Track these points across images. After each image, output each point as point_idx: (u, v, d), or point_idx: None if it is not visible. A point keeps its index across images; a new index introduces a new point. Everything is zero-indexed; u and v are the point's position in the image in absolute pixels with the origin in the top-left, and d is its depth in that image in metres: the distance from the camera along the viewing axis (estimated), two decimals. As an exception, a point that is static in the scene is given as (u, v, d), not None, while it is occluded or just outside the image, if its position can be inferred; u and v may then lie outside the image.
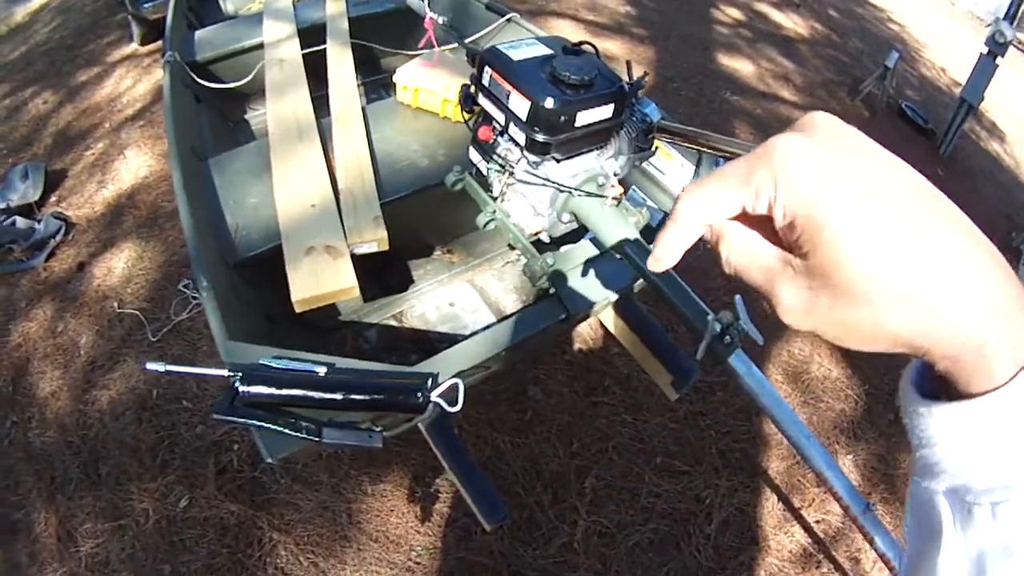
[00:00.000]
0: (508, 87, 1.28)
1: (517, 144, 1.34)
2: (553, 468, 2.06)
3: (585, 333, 2.43)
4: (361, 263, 1.56)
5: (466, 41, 2.47)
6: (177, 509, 2.00)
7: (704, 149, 1.27)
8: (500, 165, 1.43)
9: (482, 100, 1.40)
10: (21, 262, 2.90)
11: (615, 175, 1.44)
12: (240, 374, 1.03)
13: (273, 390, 1.02)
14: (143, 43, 4.41)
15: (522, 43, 1.36)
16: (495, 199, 1.52)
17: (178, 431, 2.18)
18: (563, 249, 1.55)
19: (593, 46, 1.46)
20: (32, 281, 2.84)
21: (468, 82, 1.45)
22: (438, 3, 2.83)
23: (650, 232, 1.83)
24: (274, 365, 1.09)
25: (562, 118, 1.24)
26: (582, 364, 2.35)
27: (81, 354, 2.49)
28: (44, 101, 4.13)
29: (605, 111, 1.30)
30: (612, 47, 4.64)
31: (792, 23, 5.96)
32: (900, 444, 2.36)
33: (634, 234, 1.29)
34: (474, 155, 1.52)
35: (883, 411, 2.46)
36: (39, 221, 3.03)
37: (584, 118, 1.27)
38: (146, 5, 3.92)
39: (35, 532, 2.03)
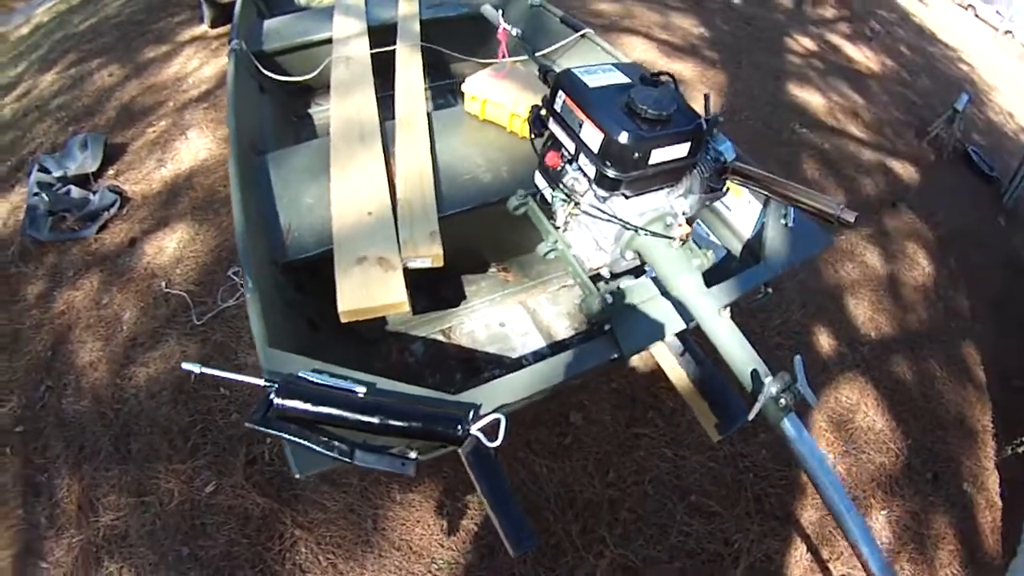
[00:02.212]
0: (582, 115, 1.23)
1: (586, 175, 1.28)
2: (587, 496, 2.01)
3: (634, 361, 2.38)
4: (412, 274, 1.53)
5: (538, 55, 2.43)
6: (203, 494, 2.01)
7: (776, 197, 1.20)
8: (566, 195, 1.38)
9: (553, 125, 1.35)
10: (73, 231, 2.96)
11: (684, 214, 1.37)
12: (276, 385, 1.01)
13: (308, 406, 0.99)
14: (213, 26, 4.48)
15: (598, 68, 1.30)
16: (558, 228, 1.46)
17: (212, 417, 2.19)
18: (623, 286, 1.49)
19: (672, 77, 1.39)
20: (82, 251, 2.89)
21: (539, 101, 1.40)
22: (512, 13, 2.80)
23: (715, 271, 1.77)
24: (313, 379, 1.06)
25: (636, 154, 1.18)
26: (627, 394, 2.29)
27: (123, 329, 2.52)
28: (110, 74, 4.22)
29: (681, 149, 1.24)
30: (683, 69, 4.57)
31: (864, 57, 5.80)
32: (936, 504, 2.27)
33: (697, 279, 1.23)
34: (540, 180, 1.47)
35: (923, 468, 2.36)
36: (94, 192, 3.09)
37: (659, 156, 1.21)
38: (216, -12, 3.95)
39: (57, 497, 2.06)
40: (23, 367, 2.48)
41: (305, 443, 1.00)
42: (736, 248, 1.71)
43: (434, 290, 2.06)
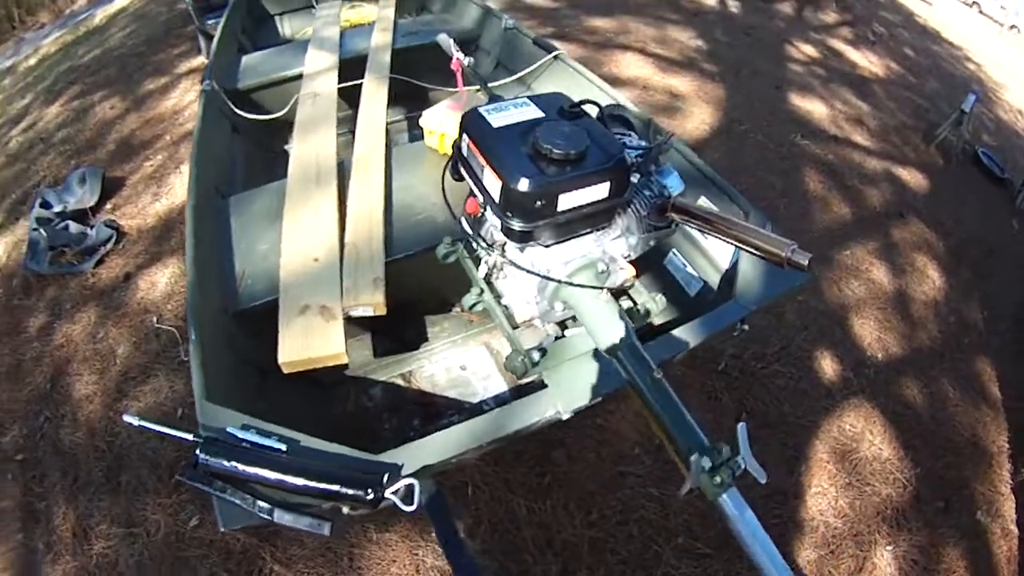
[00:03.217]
0: (482, 160, 1.09)
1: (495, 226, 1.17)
2: (566, 537, 1.94)
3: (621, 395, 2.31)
4: (373, 317, 1.49)
5: (512, 78, 2.40)
6: (187, 527, 2.01)
7: (719, 236, 1.05)
8: (488, 244, 1.25)
9: (463, 171, 1.22)
10: (72, 265, 3.00)
11: (625, 256, 1.25)
12: (202, 442, 1.02)
13: (230, 464, 1.00)
14: (209, 57, 4.54)
15: (510, 104, 1.17)
16: (486, 277, 1.36)
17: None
18: (557, 340, 1.37)
19: (597, 104, 1.26)
20: (80, 285, 2.93)
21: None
22: (488, 36, 2.81)
23: (687, 302, 1.71)
24: (239, 435, 1.06)
25: (538, 202, 1.04)
26: (613, 429, 2.22)
27: (117, 363, 2.55)
28: (111, 107, 4.31)
29: (598, 191, 1.08)
30: (679, 83, 4.50)
31: (867, 61, 5.70)
32: (947, 536, 2.16)
33: (628, 334, 1.09)
34: (466, 226, 1.33)
35: (932, 497, 2.25)
36: (92, 227, 3.13)
37: (568, 201, 1.06)
38: (210, 21, 3.97)
39: (53, 524, 2.10)
40: (24, 397, 2.53)
41: (229, 499, 1.01)
42: (714, 280, 1.64)
43: (396, 331, 2.01)
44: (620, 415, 2.25)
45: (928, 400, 2.61)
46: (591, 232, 1.20)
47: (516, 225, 1.07)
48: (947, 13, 9.72)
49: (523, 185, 1.02)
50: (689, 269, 1.70)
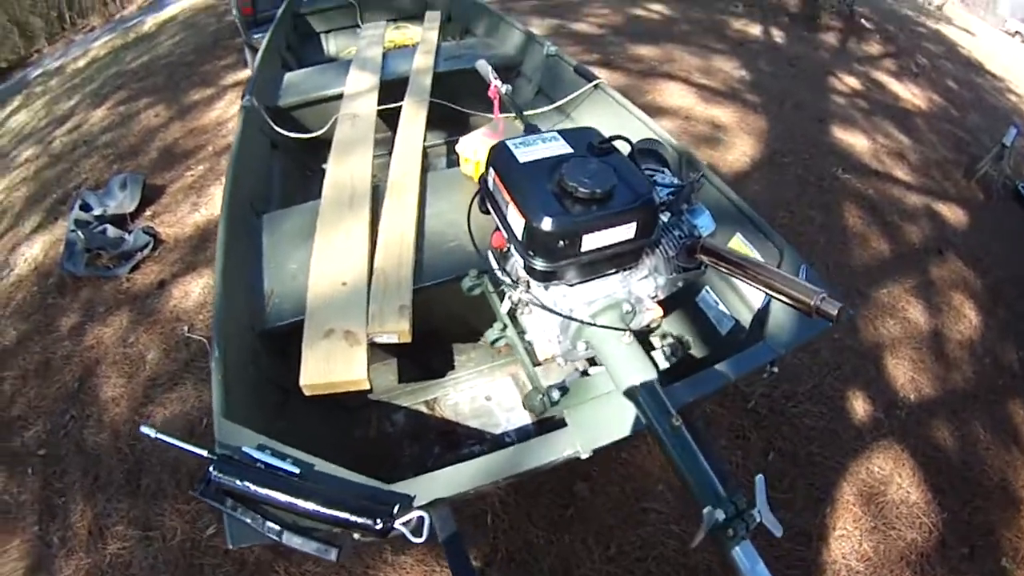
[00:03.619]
0: (507, 196, 1.05)
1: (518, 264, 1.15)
2: (584, 572, 1.91)
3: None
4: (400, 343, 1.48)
5: (552, 107, 2.38)
6: (203, 535, 2.03)
7: (748, 281, 1.02)
8: (513, 280, 1.22)
9: (489, 205, 1.19)
10: (108, 269, 3.07)
11: (652, 297, 1.21)
12: (216, 459, 1.03)
13: (244, 484, 1.01)
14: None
15: (539, 138, 1.13)
16: (510, 312, 1.33)
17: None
18: (580, 378, 1.33)
19: (628, 140, 1.21)
20: (114, 289, 3.00)
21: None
22: (530, 63, 2.79)
23: (718, 341, 1.67)
24: (254, 455, 1.06)
25: (562, 242, 1.00)
26: (638, 464, 2.18)
27: (146, 368, 2.59)
28: (156, 114, 4.41)
29: (624, 231, 1.04)
30: (721, 114, 4.47)
31: (910, 94, 5.61)
32: None
33: (649, 379, 1.05)
34: (492, 260, 1.31)
35: (958, 543, 2.17)
36: (130, 232, 3.20)
37: (593, 241, 1.02)
38: (256, 35, 4.06)
39: (70, 520, 2.14)
40: (51, 395, 2.59)
41: (240, 517, 1.01)
42: (746, 319, 1.59)
43: (422, 358, 1.99)
44: (647, 450, 2.22)
45: (959, 443, 2.53)
46: (617, 272, 1.17)
47: (539, 264, 1.05)
48: (990, 44, 9.54)
49: (546, 224, 0.99)
50: (721, 307, 1.65)
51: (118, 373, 2.59)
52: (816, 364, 2.64)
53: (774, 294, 0.96)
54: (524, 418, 1.91)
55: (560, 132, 1.17)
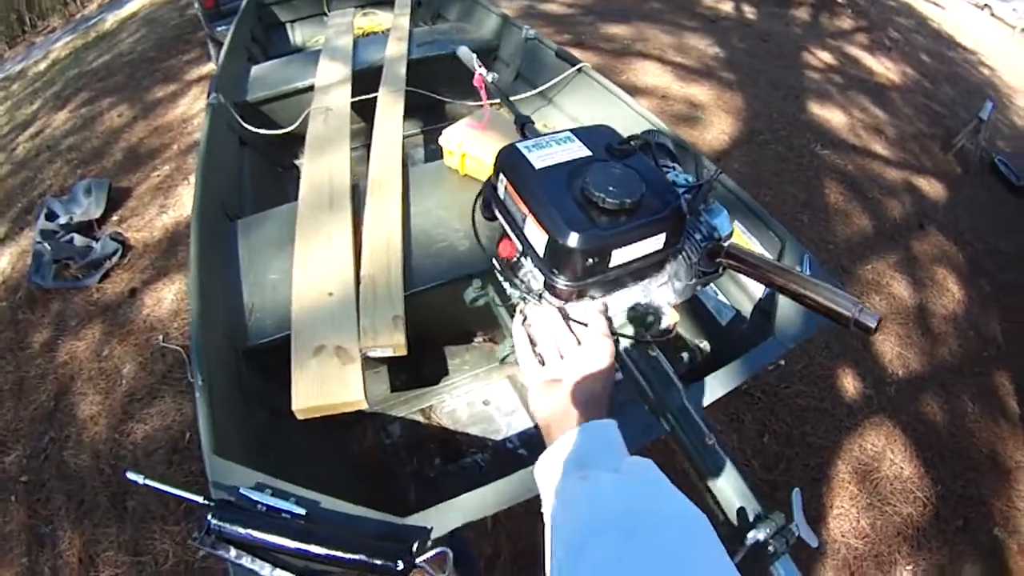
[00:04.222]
0: (524, 208, 0.94)
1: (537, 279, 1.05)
2: None
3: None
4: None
5: (534, 92, 2.29)
6: (196, 557, 1.96)
7: (776, 289, 0.91)
8: (524, 293, 1.10)
9: (499, 213, 1.07)
10: (77, 279, 2.95)
11: (669, 303, 1.12)
12: (213, 506, 0.95)
13: (247, 531, 0.93)
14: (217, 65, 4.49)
15: (551, 140, 1.02)
16: None
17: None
18: None
19: (645, 138, 1.14)
20: (84, 300, 2.88)
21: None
22: (508, 47, 2.69)
23: (719, 332, 1.63)
24: (254, 498, 0.99)
25: (590, 260, 0.90)
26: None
27: (123, 383, 2.50)
28: (119, 114, 4.26)
29: (653, 243, 0.94)
30: (698, 92, 4.45)
31: (884, 68, 5.63)
32: (965, 554, 2.11)
33: (678, 395, 0.99)
34: (499, 271, 1.27)
35: (952, 516, 2.21)
36: (97, 240, 3.08)
37: (622, 256, 0.92)
38: (220, 28, 3.91)
39: (59, 549, 2.06)
40: (28, 416, 2.48)
41: (246, 567, 0.94)
42: (747, 308, 1.55)
43: (414, 364, 1.89)
44: (652, 447, 2.18)
45: (948, 416, 2.56)
46: (638, 284, 1.06)
47: (562, 283, 0.92)
48: (959, 16, 9.62)
49: (572, 241, 0.86)
50: (720, 297, 1.60)
51: (95, 389, 2.50)
52: (807, 343, 2.63)
53: (805, 303, 0.86)
54: (525, 421, 1.84)
55: (574, 132, 1.05)
